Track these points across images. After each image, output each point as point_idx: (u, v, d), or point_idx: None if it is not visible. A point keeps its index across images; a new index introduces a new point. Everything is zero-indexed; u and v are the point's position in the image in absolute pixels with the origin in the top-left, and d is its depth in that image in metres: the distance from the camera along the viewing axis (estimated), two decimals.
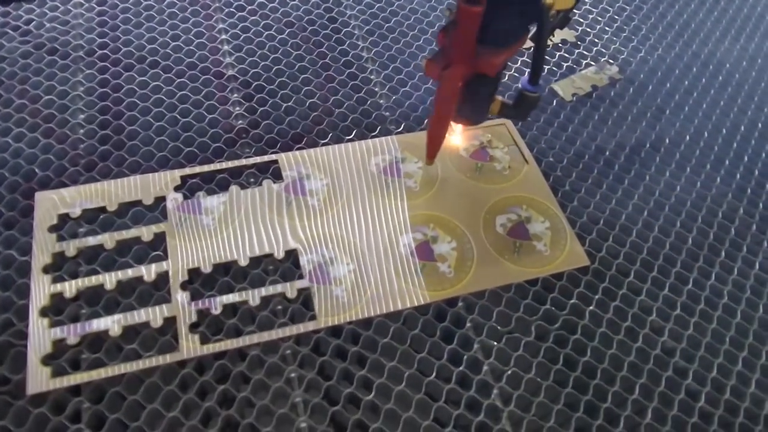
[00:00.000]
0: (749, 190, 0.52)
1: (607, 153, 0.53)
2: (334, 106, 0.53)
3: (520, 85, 0.42)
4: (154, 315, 0.40)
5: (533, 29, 0.39)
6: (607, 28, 0.63)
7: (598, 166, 0.52)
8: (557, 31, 0.58)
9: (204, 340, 0.39)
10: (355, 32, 0.59)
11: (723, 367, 0.42)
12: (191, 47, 0.55)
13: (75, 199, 0.44)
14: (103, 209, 0.44)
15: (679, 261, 0.47)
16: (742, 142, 0.56)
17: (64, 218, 0.44)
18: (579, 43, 0.61)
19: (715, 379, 0.42)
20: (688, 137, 0.55)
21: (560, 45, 0.60)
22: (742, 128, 0.57)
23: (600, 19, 0.64)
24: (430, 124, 0.44)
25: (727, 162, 0.54)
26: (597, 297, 0.44)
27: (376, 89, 0.55)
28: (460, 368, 0.40)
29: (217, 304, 0.41)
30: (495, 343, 0.42)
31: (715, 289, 0.46)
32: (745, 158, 0.54)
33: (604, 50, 0.61)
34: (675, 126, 0.56)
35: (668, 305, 0.45)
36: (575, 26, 0.62)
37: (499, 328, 0.42)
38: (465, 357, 0.41)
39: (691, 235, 0.49)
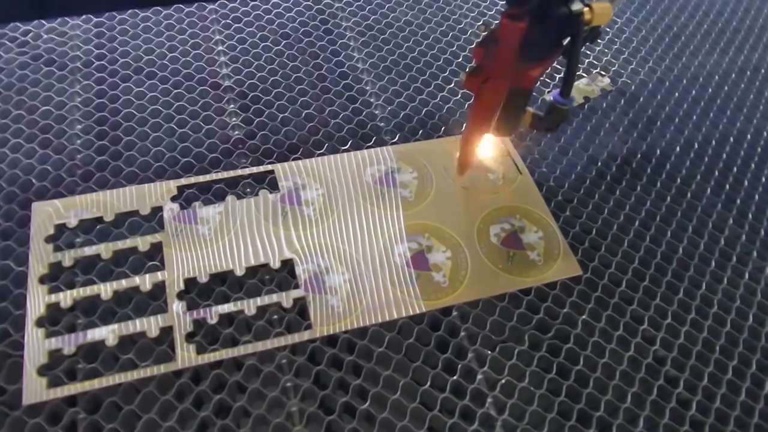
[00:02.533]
0: (739, 201, 0.53)
1: (599, 164, 0.54)
2: (329, 116, 0.54)
3: (551, 98, 0.43)
4: (150, 325, 0.40)
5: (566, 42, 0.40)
6: (599, 40, 0.64)
7: (590, 177, 0.53)
8: None
9: (200, 350, 0.39)
10: (351, 44, 0.60)
11: (714, 376, 0.43)
12: (188, 58, 0.56)
13: (71, 209, 0.45)
14: (99, 219, 0.45)
15: (670, 270, 0.48)
16: (731, 153, 0.57)
17: (60, 228, 0.44)
18: None
19: (706, 387, 0.42)
20: (678, 148, 0.56)
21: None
22: (732, 139, 0.58)
23: None
24: (464, 137, 0.44)
25: (716, 173, 0.55)
26: (589, 306, 0.45)
27: (371, 100, 0.55)
28: (455, 377, 0.41)
29: (214, 313, 0.41)
30: (489, 352, 0.42)
31: (705, 298, 0.47)
32: (735, 169, 0.55)
33: (596, 62, 0.62)
34: (665, 137, 0.57)
35: (659, 314, 0.45)
36: None
37: (493, 337, 0.43)
38: (459, 366, 0.41)
39: (682, 245, 0.49)
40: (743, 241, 0.51)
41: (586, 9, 0.38)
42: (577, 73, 0.61)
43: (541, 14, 0.36)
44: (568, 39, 0.40)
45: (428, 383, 0.40)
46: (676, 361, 0.43)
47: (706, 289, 0.47)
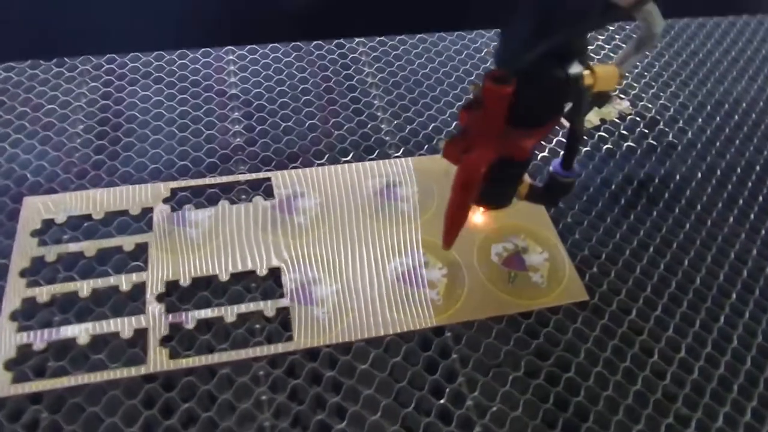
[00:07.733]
0: (764, 231, 0.49)
1: (613, 186, 0.51)
2: (333, 127, 0.52)
3: (551, 168, 0.37)
4: (124, 325, 0.38)
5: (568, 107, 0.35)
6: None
7: (602, 200, 0.50)
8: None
9: (173, 355, 0.38)
10: (362, 58, 0.59)
11: (729, 417, 0.39)
12: (197, 66, 0.56)
13: (61, 205, 0.44)
14: (88, 217, 0.44)
15: (685, 301, 0.44)
16: (757, 181, 0.53)
17: (48, 224, 0.43)
18: None
19: (721, 429, 0.38)
20: (699, 174, 0.53)
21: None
22: (758, 168, 0.54)
23: (612, 54, 0.63)
24: (447, 210, 0.38)
25: (741, 201, 0.51)
26: (595, 334, 0.42)
27: (379, 113, 0.54)
28: (442, 401, 0.38)
29: (191, 318, 0.39)
30: (481, 376, 0.39)
31: (723, 332, 0.43)
32: (760, 198, 0.52)
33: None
34: (687, 162, 0.54)
35: (672, 347, 0.42)
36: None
37: (486, 360, 0.40)
38: (448, 389, 0.38)
39: (700, 275, 0.46)
40: (767, 273, 0.47)
41: (586, 72, 0.32)
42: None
43: (533, 77, 0.31)
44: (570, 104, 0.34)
45: (412, 405, 0.37)
46: (688, 398, 0.39)
47: (724, 323, 0.43)
